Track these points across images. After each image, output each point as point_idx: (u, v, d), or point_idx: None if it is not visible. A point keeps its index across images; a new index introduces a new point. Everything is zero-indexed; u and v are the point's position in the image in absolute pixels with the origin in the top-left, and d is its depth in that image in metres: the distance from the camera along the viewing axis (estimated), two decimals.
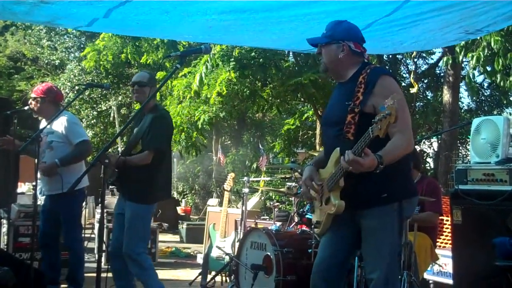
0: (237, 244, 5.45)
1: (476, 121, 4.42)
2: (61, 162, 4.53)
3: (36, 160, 4.25)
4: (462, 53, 7.80)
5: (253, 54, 9.88)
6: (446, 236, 6.07)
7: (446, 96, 10.66)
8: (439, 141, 12.48)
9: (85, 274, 4.74)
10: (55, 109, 4.65)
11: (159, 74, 10.66)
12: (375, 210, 2.71)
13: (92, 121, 16.69)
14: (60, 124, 4.64)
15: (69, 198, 4.52)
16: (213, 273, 5.80)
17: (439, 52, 13.06)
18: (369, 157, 2.48)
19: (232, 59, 9.64)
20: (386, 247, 2.70)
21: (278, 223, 5.44)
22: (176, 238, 10.73)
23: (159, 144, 4.05)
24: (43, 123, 4.75)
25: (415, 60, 12.84)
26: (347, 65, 2.86)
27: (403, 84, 13.29)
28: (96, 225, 7.35)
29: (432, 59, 14.86)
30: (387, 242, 2.70)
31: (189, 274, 6.44)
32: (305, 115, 13.54)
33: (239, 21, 4.13)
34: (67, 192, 4.26)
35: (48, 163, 4.57)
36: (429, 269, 5.20)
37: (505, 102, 14.75)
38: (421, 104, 15.08)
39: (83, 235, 4.92)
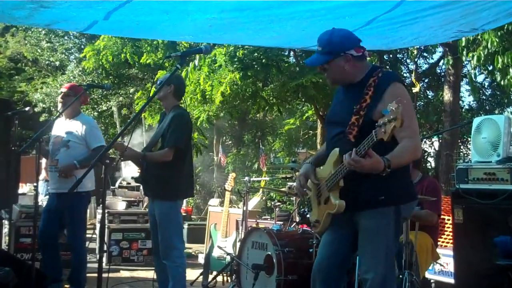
0: (238, 244, 5.45)
1: (477, 120, 4.43)
2: (80, 164, 4.54)
3: (37, 160, 4.24)
4: (464, 52, 7.79)
5: (255, 54, 9.88)
6: (448, 235, 6.06)
7: (447, 95, 10.65)
8: (440, 141, 12.49)
9: (87, 275, 4.74)
10: (79, 109, 4.72)
11: (159, 74, 10.66)
12: (372, 212, 2.71)
13: None
14: (80, 126, 4.66)
15: (77, 198, 4.53)
16: (215, 273, 5.81)
17: (440, 52, 13.08)
18: (372, 158, 2.48)
19: (236, 59, 9.64)
20: (382, 248, 2.70)
21: (279, 223, 5.44)
22: None
23: (179, 141, 4.08)
24: (56, 124, 4.78)
25: (416, 59, 12.84)
26: (354, 72, 2.83)
27: None
28: (98, 226, 7.35)
29: (432, 58, 14.84)
30: (383, 243, 2.70)
31: (191, 274, 6.42)
32: (306, 114, 13.53)
33: (239, 19, 4.12)
34: (75, 192, 4.24)
35: (66, 163, 4.58)
36: (430, 268, 5.20)
37: (506, 101, 14.76)
38: (422, 103, 15.09)
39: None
